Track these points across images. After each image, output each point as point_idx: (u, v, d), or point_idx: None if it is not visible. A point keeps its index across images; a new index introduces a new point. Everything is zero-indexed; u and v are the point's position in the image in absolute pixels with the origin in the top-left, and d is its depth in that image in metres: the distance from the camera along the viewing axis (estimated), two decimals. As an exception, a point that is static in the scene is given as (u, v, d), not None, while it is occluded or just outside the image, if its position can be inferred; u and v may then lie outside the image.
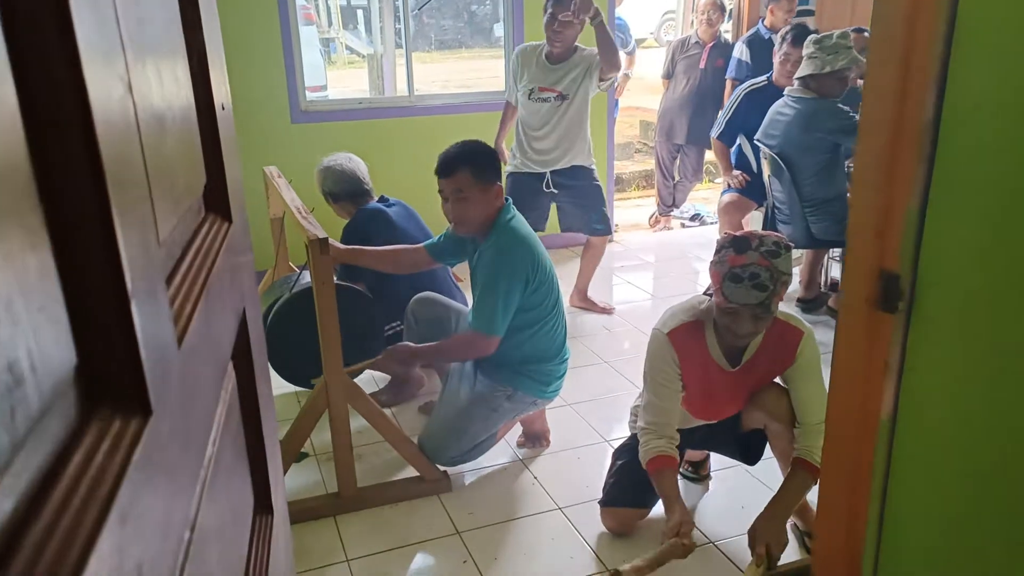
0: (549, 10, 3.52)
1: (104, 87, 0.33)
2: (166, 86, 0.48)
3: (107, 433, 0.32)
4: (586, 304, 3.94)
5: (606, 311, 3.90)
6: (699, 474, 2.57)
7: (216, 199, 0.61)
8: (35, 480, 0.27)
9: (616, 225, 5.36)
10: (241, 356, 0.64)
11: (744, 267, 1.93)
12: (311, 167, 3.45)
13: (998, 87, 0.99)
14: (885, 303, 1.16)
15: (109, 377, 0.32)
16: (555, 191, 3.71)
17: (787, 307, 3.88)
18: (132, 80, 0.38)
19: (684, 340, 2.12)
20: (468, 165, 2.38)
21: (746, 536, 2.04)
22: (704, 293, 2.22)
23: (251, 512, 0.71)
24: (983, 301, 1.07)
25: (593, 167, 3.77)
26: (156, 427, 0.36)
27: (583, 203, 3.75)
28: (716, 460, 2.61)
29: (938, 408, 1.16)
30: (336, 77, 11.04)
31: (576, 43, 3.61)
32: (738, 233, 2.02)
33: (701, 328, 2.13)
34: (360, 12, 11.70)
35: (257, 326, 0.72)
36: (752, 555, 1.98)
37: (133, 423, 0.34)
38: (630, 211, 6.12)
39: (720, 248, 2.01)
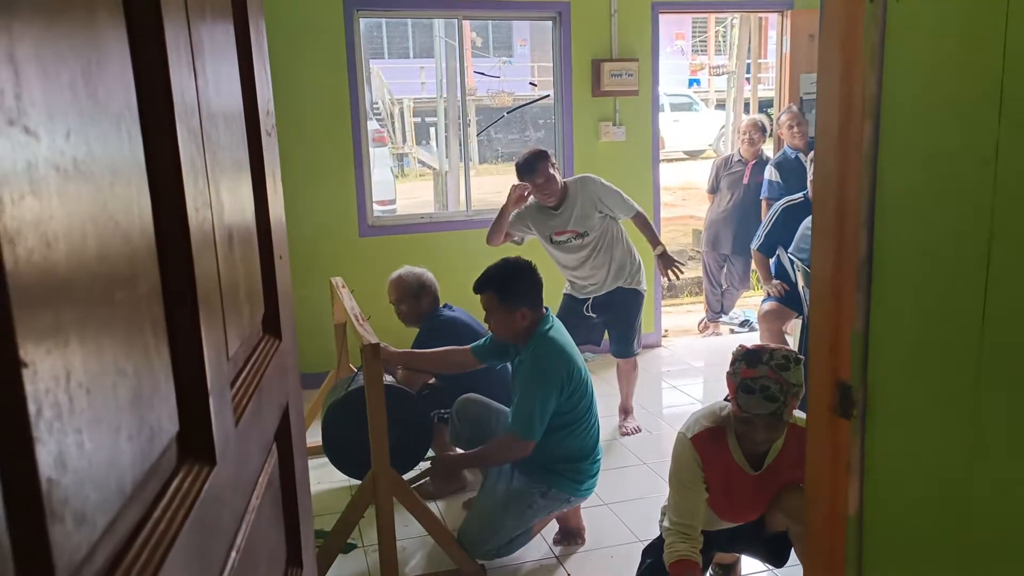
0: (529, 181, 3.61)
1: (206, 284, 0.58)
2: (239, 253, 0.74)
3: (191, 472, 0.55)
4: (620, 418, 3.94)
5: (622, 431, 3.86)
6: (730, 577, 2.64)
7: (271, 324, 0.87)
8: (156, 494, 0.50)
9: (666, 330, 5.53)
10: (283, 438, 0.87)
11: (755, 379, 2.06)
12: (376, 277, 3.79)
13: (914, 231, 1.19)
14: (842, 410, 1.32)
15: (194, 440, 0.56)
16: (594, 315, 3.79)
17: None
18: (220, 264, 0.64)
19: (707, 445, 2.24)
20: (494, 288, 2.66)
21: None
22: (724, 399, 2.36)
23: (284, 562, 0.93)
24: (923, 408, 1.23)
25: (636, 287, 3.76)
26: (219, 473, 0.59)
27: (613, 322, 3.82)
28: (747, 564, 2.67)
29: (896, 503, 1.30)
30: (408, 188, 11.81)
31: (562, 182, 3.68)
32: (751, 346, 2.18)
33: (723, 433, 2.25)
34: (432, 129, 12.61)
35: (297, 416, 0.96)
36: None
37: (206, 468, 0.57)
38: (680, 317, 6.27)
39: (734, 360, 2.16)
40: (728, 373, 2.17)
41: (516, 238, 3.83)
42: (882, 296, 1.25)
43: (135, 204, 0.46)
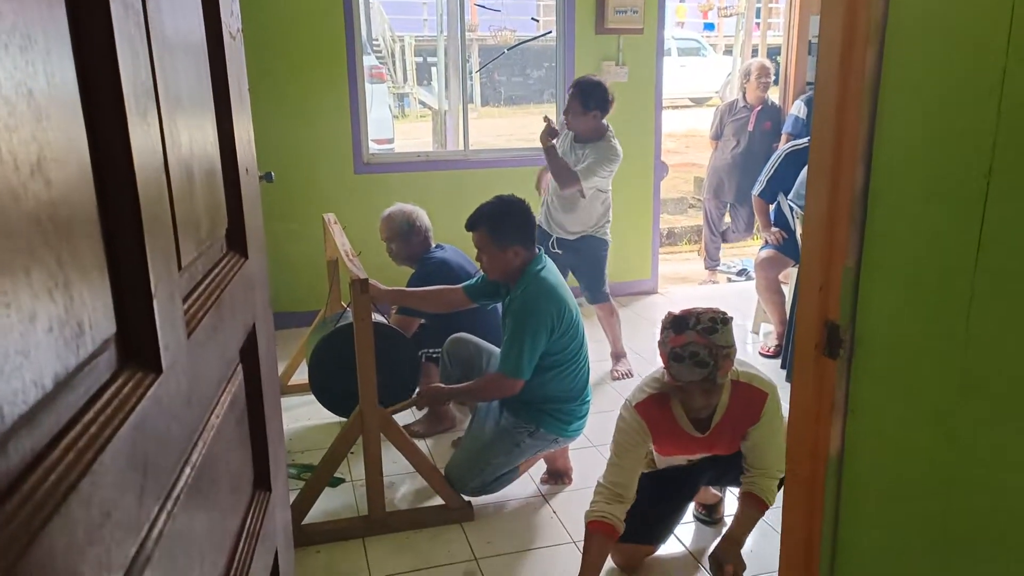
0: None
1: (146, 170, 0.54)
2: (194, 160, 0.70)
3: (132, 378, 0.52)
4: (613, 362, 3.99)
5: (613, 375, 3.91)
6: (712, 518, 2.67)
7: (236, 241, 0.84)
8: (90, 396, 0.48)
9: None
10: (249, 358, 0.85)
11: (684, 347, 2.02)
12: (371, 214, 3.74)
13: (912, 164, 1.15)
14: (829, 350, 1.30)
15: (136, 345, 0.53)
16: (559, 252, 3.79)
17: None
18: (168, 161, 0.61)
19: (651, 412, 2.22)
20: (486, 225, 2.62)
21: (711, 563, 2.21)
22: None
23: (251, 485, 0.91)
24: (911, 348, 1.20)
25: (602, 237, 3.82)
26: (165, 382, 0.57)
27: (580, 269, 3.84)
28: (730, 505, 2.70)
29: (878, 445, 1.28)
30: (408, 129, 11.64)
31: (606, 129, 3.69)
32: (678, 312, 2.11)
33: (667, 400, 2.23)
34: (434, 69, 12.36)
35: (267, 337, 0.94)
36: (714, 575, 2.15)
37: (150, 376, 0.55)
38: (678, 265, 6.25)
39: (663, 329, 2.11)
40: (659, 343, 2.13)
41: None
42: (876, 232, 1.21)
43: (56, 75, 0.42)
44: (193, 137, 0.70)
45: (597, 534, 2.19)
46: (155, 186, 0.57)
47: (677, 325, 2.06)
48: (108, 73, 0.50)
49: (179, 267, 0.64)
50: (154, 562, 0.54)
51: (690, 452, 2.32)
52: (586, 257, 3.84)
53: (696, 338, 2.01)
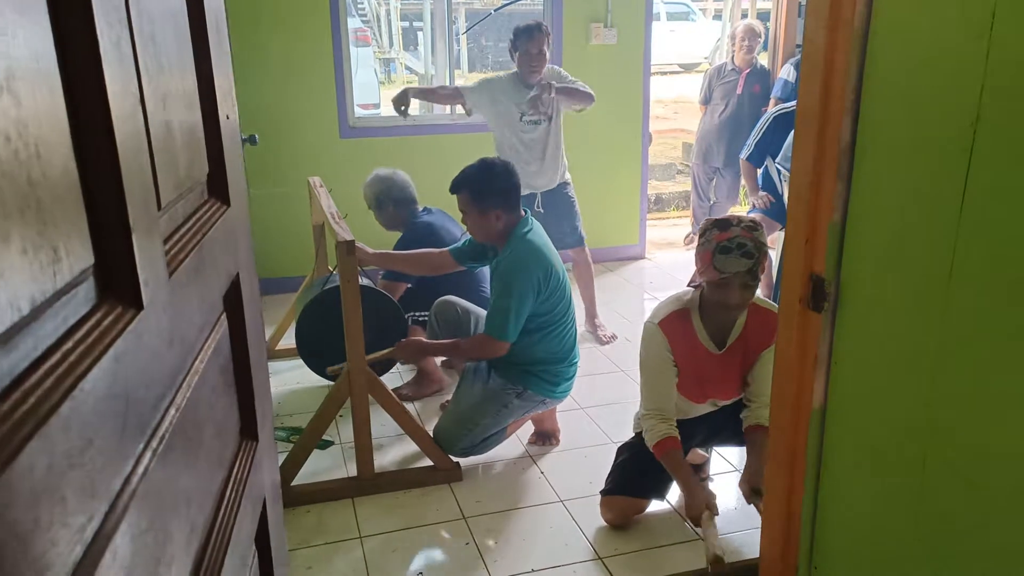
0: (523, 47, 3.62)
1: (121, 102, 0.53)
2: (173, 100, 0.69)
3: (112, 312, 0.52)
4: (591, 328, 3.92)
5: (602, 339, 3.88)
6: (699, 477, 2.70)
7: (217, 187, 0.83)
8: (69, 324, 0.47)
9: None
10: (232, 305, 0.84)
11: (731, 240, 2.14)
12: (357, 179, 3.71)
13: (900, 115, 1.14)
14: (814, 303, 1.31)
15: (116, 278, 0.53)
16: (542, 211, 3.79)
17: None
18: (144, 97, 0.60)
19: (673, 327, 2.33)
20: (468, 189, 2.61)
21: (751, 493, 2.26)
22: (688, 285, 2.40)
23: (237, 433, 0.91)
24: (894, 301, 1.21)
25: (569, 181, 3.94)
26: (146, 318, 0.56)
27: (556, 216, 3.82)
28: (716, 466, 2.74)
29: (860, 396, 1.30)
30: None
31: None
32: (717, 217, 2.26)
33: (688, 315, 2.34)
34: (420, 34, 12.17)
35: (251, 288, 0.93)
36: (749, 501, 2.29)
37: (130, 312, 0.54)
38: (666, 230, 6.25)
39: (704, 231, 2.22)
40: (699, 246, 2.23)
41: (468, 106, 3.87)
42: (862, 186, 1.22)
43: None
44: (170, 70, 0.68)
45: (669, 450, 2.29)
46: (130, 119, 0.56)
47: (721, 224, 2.18)
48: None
49: (159, 206, 0.63)
50: (139, 497, 0.54)
51: (703, 375, 2.37)
52: (560, 202, 3.90)
53: (742, 232, 2.14)
